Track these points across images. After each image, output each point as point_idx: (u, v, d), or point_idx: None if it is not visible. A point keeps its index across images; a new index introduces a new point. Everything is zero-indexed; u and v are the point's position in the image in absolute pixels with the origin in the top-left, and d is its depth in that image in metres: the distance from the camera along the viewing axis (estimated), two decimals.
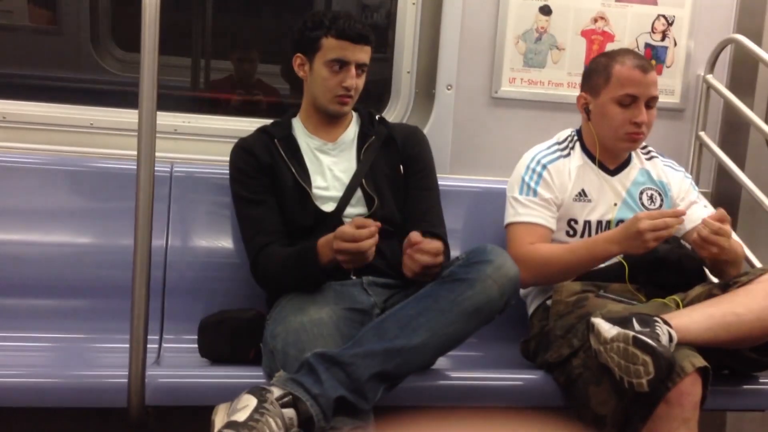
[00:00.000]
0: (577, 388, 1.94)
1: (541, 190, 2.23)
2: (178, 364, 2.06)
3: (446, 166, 2.63)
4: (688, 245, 2.21)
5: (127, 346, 1.74)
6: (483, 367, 2.15)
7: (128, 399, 1.75)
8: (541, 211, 2.22)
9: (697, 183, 2.50)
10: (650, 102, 2.21)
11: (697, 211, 2.31)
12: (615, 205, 2.26)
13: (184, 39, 3.67)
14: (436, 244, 1.88)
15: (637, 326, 1.77)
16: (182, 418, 2.22)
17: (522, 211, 2.22)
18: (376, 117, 2.35)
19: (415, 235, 1.89)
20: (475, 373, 2.05)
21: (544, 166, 2.26)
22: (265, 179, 2.17)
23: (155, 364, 2.02)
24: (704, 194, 2.46)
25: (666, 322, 1.81)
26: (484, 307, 1.80)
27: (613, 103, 2.21)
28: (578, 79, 2.38)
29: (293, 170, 2.16)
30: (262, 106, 3.51)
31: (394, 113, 2.70)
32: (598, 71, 2.26)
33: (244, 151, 2.21)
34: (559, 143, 2.33)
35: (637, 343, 1.71)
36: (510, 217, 2.25)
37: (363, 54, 2.16)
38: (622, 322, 1.80)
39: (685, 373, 1.76)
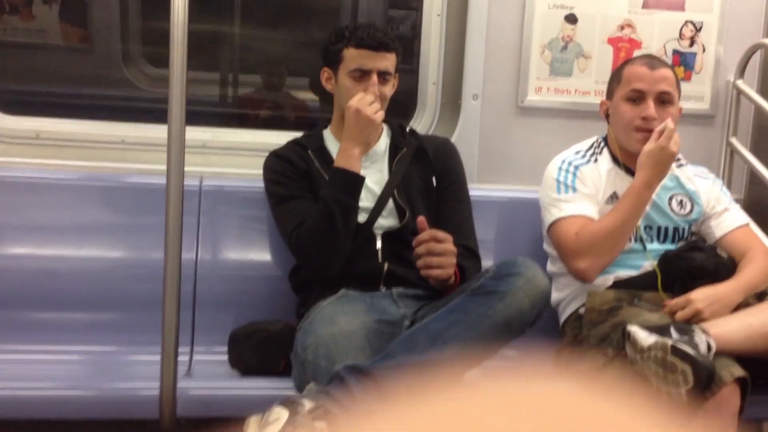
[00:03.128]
0: None
1: (579, 185, 2.22)
2: (209, 375, 2.07)
3: (473, 175, 2.62)
4: (724, 254, 2.18)
5: (159, 358, 1.76)
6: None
7: (160, 411, 1.77)
8: (583, 203, 2.20)
9: (728, 190, 2.46)
10: (663, 98, 2.18)
11: (729, 218, 2.28)
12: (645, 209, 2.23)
13: (213, 54, 3.71)
14: (434, 231, 1.95)
15: (675, 335, 1.75)
16: (214, 429, 2.23)
17: (565, 206, 2.20)
18: (407, 129, 2.35)
19: (421, 221, 1.97)
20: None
21: (577, 167, 2.26)
22: (302, 181, 2.19)
23: (186, 375, 2.02)
24: (736, 201, 2.42)
25: (704, 331, 1.79)
26: (515, 320, 1.79)
27: (623, 101, 2.22)
28: (605, 87, 2.37)
29: (327, 179, 2.18)
30: (291, 120, 3.54)
31: (420, 124, 2.69)
32: (613, 76, 2.30)
33: (279, 158, 2.23)
34: (585, 150, 2.32)
35: (676, 352, 1.69)
36: (553, 216, 2.21)
37: (385, 62, 2.16)
38: (660, 330, 1.78)
39: (724, 383, 1.73)
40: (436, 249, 1.95)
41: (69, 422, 2.09)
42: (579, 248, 2.12)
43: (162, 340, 1.75)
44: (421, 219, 1.98)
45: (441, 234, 1.97)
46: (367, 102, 2.06)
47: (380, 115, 2.08)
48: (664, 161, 2.09)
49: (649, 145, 2.10)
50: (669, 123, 2.10)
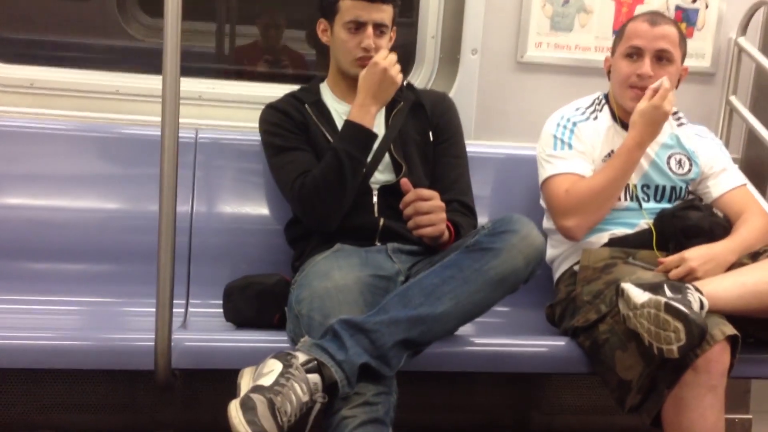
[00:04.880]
0: (603, 354, 1.94)
1: (575, 142, 2.22)
2: (203, 328, 2.08)
3: (471, 131, 2.60)
4: (720, 214, 2.18)
5: (154, 310, 1.76)
6: (507, 333, 2.15)
7: (155, 362, 1.78)
8: (578, 161, 2.19)
9: (726, 148, 2.45)
10: (661, 56, 2.16)
11: (727, 178, 2.27)
12: (641, 169, 2.22)
13: (209, 4, 3.66)
14: (419, 190, 1.95)
15: (668, 292, 1.75)
16: (208, 381, 2.26)
17: (559, 163, 2.20)
18: (404, 83, 2.33)
19: (404, 183, 1.97)
20: (499, 339, 2.05)
21: (575, 123, 2.25)
22: (300, 134, 2.18)
23: (181, 327, 2.04)
24: (734, 160, 2.42)
25: (697, 289, 1.80)
26: (509, 277, 1.80)
27: (621, 57, 2.20)
28: (606, 43, 2.35)
29: (326, 134, 2.16)
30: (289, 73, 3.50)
31: (418, 78, 2.68)
32: (618, 32, 2.28)
33: (276, 110, 2.22)
34: (586, 107, 2.30)
35: (669, 309, 1.70)
36: (546, 172, 2.22)
37: (381, 13, 2.13)
38: (653, 288, 1.79)
39: (714, 341, 1.75)
40: (424, 207, 1.94)
41: (65, 372, 2.12)
42: (567, 206, 2.13)
43: (157, 291, 1.76)
44: (404, 181, 1.98)
45: (426, 192, 1.97)
46: (392, 61, 2.05)
47: (401, 76, 2.09)
48: (656, 120, 2.08)
49: (642, 104, 2.08)
50: (665, 81, 2.08)
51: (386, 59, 2.06)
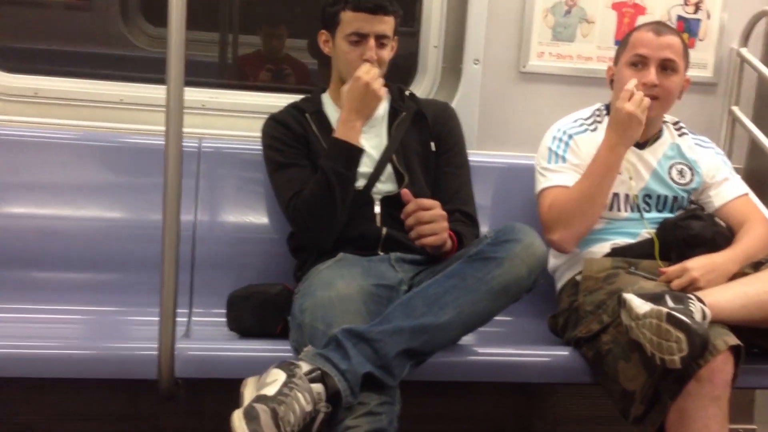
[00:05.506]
0: (606, 364, 1.93)
1: (570, 156, 2.22)
2: (206, 337, 2.09)
3: (473, 141, 2.61)
4: (722, 223, 2.18)
5: (157, 319, 1.77)
6: (510, 343, 2.15)
7: (158, 371, 1.78)
8: (570, 174, 2.20)
9: (729, 159, 2.45)
10: (666, 65, 2.17)
11: (729, 187, 2.27)
12: (643, 179, 2.23)
13: (212, 13, 3.67)
14: (419, 200, 1.95)
15: (670, 303, 1.75)
16: (211, 390, 2.25)
17: (552, 176, 2.21)
18: (406, 93, 2.34)
19: (405, 193, 1.96)
20: (503, 349, 2.05)
21: (570, 136, 2.25)
22: (300, 147, 2.19)
23: (185, 336, 2.04)
24: (736, 170, 2.42)
25: (700, 300, 1.80)
26: (512, 286, 1.80)
27: (626, 67, 2.20)
28: (608, 53, 2.35)
29: (324, 144, 2.17)
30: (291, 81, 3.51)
31: (420, 88, 2.68)
32: (621, 41, 2.28)
33: (277, 122, 2.23)
34: (585, 118, 2.31)
35: (671, 319, 1.69)
36: (540, 185, 2.23)
37: (382, 25, 2.14)
38: (655, 298, 1.78)
39: (717, 351, 1.74)
40: (425, 217, 1.94)
41: (68, 381, 2.11)
42: (551, 219, 2.14)
43: (161, 301, 1.76)
44: (405, 191, 1.98)
45: (427, 201, 1.97)
46: (375, 75, 2.07)
47: (384, 90, 2.10)
48: (624, 123, 2.06)
49: (619, 104, 2.08)
50: (634, 87, 2.08)
51: (368, 73, 2.07)
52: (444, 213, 1.98)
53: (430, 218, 1.95)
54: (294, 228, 2.18)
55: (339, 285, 1.90)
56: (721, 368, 1.75)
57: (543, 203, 2.20)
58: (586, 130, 2.27)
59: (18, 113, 2.47)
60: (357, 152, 2.08)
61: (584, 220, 2.13)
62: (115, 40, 3.73)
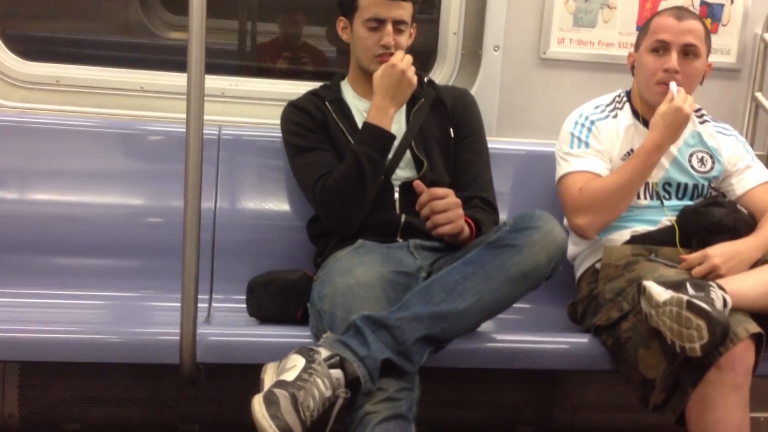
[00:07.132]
0: (625, 352, 1.93)
1: (592, 141, 2.21)
2: (227, 322, 2.10)
3: (493, 128, 2.60)
4: (744, 210, 2.16)
5: (179, 304, 1.78)
6: (529, 330, 2.14)
7: (180, 356, 1.80)
8: (593, 160, 2.18)
9: (752, 145, 2.43)
10: (687, 51, 2.15)
11: (751, 175, 2.25)
12: (663, 167, 2.21)
13: (231, 1, 3.67)
14: (432, 190, 1.94)
15: (691, 290, 1.74)
16: (232, 375, 2.28)
17: (575, 161, 2.19)
18: (425, 79, 2.33)
19: (417, 184, 1.96)
20: (522, 336, 2.05)
21: (593, 122, 2.24)
22: (321, 133, 2.20)
23: (206, 322, 2.06)
24: (759, 157, 2.39)
25: (720, 287, 1.78)
26: (531, 273, 1.79)
27: (647, 52, 2.19)
28: (630, 39, 2.33)
29: (345, 131, 2.17)
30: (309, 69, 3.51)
31: (440, 75, 2.67)
32: (642, 27, 2.26)
33: (297, 108, 2.24)
34: (606, 104, 2.29)
35: (692, 307, 1.69)
36: (562, 170, 2.22)
37: (400, 11, 2.13)
38: (676, 286, 1.78)
39: (738, 339, 1.73)
40: (439, 206, 1.93)
41: (91, 365, 2.15)
42: (580, 204, 2.12)
43: (182, 287, 1.77)
44: (417, 182, 1.97)
45: (440, 191, 1.96)
46: (409, 62, 2.08)
47: (416, 78, 2.11)
48: (677, 123, 2.07)
49: (663, 106, 2.07)
50: (678, 87, 2.08)
51: (403, 61, 2.07)
52: (458, 201, 1.97)
53: (444, 207, 1.94)
54: (320, 210, 2.16)
55: (358, 272, 1.91)
56: (742, 356, 1.74)
57: (569, 187, 2.17)
58: (607, 116, 2.26)
59: (40, 101, 2.49)
60: (390, 138, 2.08)
61: (615, 210, 2.13)
62: (134, 29, 3.75)
